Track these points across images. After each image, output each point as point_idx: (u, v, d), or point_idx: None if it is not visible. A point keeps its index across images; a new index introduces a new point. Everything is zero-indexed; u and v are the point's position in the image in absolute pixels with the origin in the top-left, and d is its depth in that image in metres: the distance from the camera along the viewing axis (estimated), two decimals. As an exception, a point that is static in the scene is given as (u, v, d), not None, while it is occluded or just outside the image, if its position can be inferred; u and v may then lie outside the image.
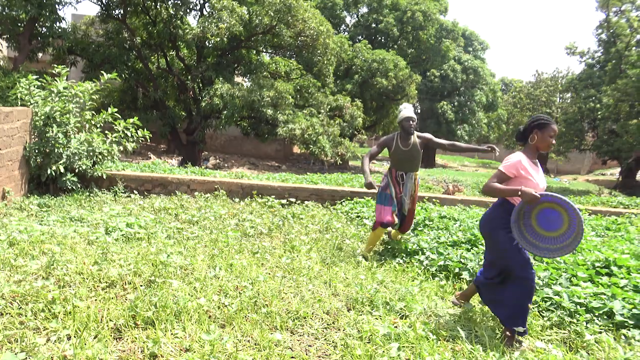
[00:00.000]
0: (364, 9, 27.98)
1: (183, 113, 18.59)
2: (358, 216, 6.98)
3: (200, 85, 17.69)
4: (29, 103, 7.04)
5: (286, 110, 16.06)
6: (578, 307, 3.58)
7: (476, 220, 6.36)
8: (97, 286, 3.58)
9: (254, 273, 4.07)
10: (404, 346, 2.98)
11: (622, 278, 4.02)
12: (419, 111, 30.94)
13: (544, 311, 3.74)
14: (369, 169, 5.06)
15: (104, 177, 7.55)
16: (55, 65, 7.62)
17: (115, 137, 7.78)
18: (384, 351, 2.90)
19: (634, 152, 21.51)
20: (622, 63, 23.46)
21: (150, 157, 18.32)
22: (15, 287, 3.28)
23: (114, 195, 7.35)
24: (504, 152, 39.77)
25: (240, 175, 9.69)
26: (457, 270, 4.53)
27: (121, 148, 7.88)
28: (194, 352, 2.76)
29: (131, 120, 8.00)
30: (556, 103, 33.33)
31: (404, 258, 5.08)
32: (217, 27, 15.01)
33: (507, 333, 3.25)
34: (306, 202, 7.64)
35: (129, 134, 7.93)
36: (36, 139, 6.91)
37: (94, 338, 2.85)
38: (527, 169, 3.26)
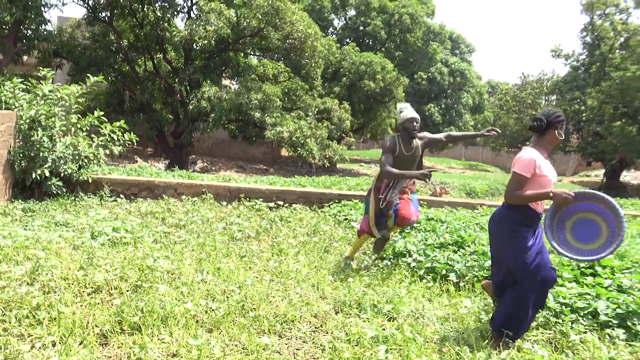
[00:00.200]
0: (351, 12, 28.08)
1: (170, 116, 18.46)
2: (346, 219, 6.99)
3: (188, 88, 17.59)
4: (13, 106, 6.97)
5: (274, 113, 16.03)
6: (563, 307, 3.62)
7: (463, 222, 6.41)
8: (83, 291, 3.55)
9: (241, 277, 4.07)
10: (391, 348, 2.99)
11: (606, 278, 4.08)
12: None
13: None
14: (398, 170, 4.44)
15: (90, 181, 7.48)
16: (41, 68, 7.55)
17: (101, 141, 7.70)
18: (371, 354, 2.91)
19: (618, 153, 21.82)
20: (606, 65, 23.84)
21: (137, 161, 18.19)
22: (-1, 294, 3.24)
23: (100, 200, 7.28)
24: (490, 154, 40.15)
25: (228, 179, 9.67)
26: (444, 272, 4.55)
27: (107, 152, 7.81)
28: (181, 357, 2.75)
29: (118, 124, 7.93)
30: (542, 105, 33.64)
31: (391, 260, 5.09)
32: (205, 30, 14.94)
33: (495, 334, 3.26)
34: (294, 205, 7.64)
35: (115, 137, 7.87)
36: (21, 143, 6.82)
37: (80, 344, 2.82)
38: (541, 167, 3.12)
